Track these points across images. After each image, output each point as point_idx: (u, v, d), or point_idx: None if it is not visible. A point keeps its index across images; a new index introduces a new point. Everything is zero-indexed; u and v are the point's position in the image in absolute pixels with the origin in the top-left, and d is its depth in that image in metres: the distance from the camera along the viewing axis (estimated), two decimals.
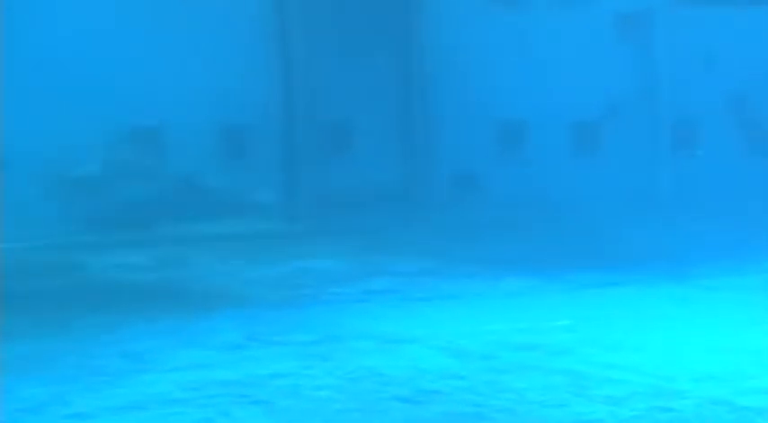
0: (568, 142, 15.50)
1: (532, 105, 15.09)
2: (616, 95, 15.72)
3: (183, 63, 13.34)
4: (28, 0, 12.64)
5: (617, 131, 15.78)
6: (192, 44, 13.39)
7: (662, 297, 9.53)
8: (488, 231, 13.39)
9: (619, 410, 5.86)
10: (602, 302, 9.31)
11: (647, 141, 15.99)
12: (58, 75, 12.76)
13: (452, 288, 10.17)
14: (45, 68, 12.68)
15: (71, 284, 10.60)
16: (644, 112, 15.96)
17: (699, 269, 10.94)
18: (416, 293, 9.96)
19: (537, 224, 13.92)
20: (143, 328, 8.44)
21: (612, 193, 15.29)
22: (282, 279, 10.75)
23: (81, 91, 12.86)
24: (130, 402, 6.23)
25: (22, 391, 6.50)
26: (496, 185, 14.88)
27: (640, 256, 12.05)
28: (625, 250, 12.45)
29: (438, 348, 7.51)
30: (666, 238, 13.45)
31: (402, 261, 11.62)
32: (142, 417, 5.96)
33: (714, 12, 16.27)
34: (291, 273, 11.07)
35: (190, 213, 13.18)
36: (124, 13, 13.05)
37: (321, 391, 6.42)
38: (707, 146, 16.26)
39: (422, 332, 8.06)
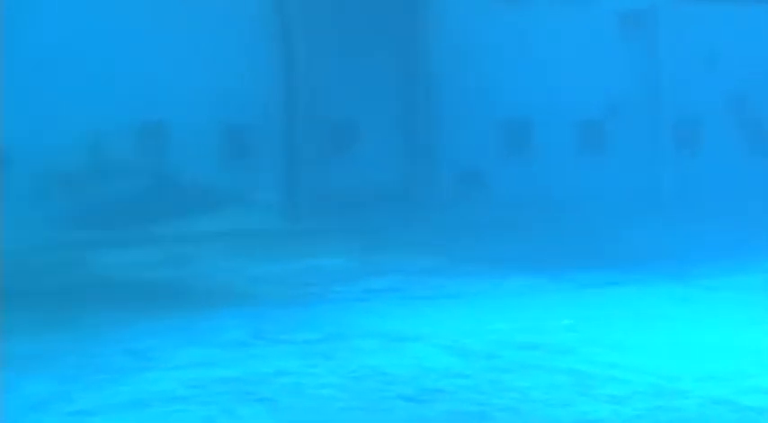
0: (571, 141, 15.51)
1: (535, 104, 15.10)
2: (619, 94, 15.73)
3: (184, 63, 13.35)
4: None
5: (620, 130, 15.79)
6: (194, 44, 13.40)
7: (664, 296, 9.54)
8: (492, 230, 13.40)
9: (621, 409, 5.87)
10: (604, 302, 9.32)
11: (650, 140, 16.00)
12: (60, 73, 12.77)
13: (456, 287, 10.18)
14: (45, 66, 12.69)
15: (74, 282, 10.61)
16: (646, 110, 15.96)
17: (701, 269, 10.95)
18: (420, 292, 9.97)
19: (540, 223, 13.93)
20: (147, 325, 8.45)
21: (615, 192, 15.30)
22: (286, 277, 10.76)
23: (83, 90, 12.87)
24: (134, 400, 6.24)
25: (26, 388, 6.51)
26: (500, 184, 14.89)
27: (643, 255, 12.06)
28: (627, 250, 12.46)
29: (441, 347, 7.52)
30: (668, 237, 13.46)
31: (405, 260, 11.63)
32: (145, 414, 5.97)
33: (717, 10, 16.27)
34: (295, 271, 11.08)
35: (192, 211, 13.19)
36: (126, 12, 13.06)
37: (325, 389, 6.43)
38: (709, 145, 16.26)
39: (425, 331, 8.07)
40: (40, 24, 12.69)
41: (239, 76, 13.57)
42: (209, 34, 13.50)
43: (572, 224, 13.96)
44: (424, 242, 12.64)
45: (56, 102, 12.73)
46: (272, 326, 8.38)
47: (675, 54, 16.07)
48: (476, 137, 14.84)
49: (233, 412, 5.98)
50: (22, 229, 12.01)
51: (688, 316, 8.61)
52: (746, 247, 12.43)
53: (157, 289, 10.28)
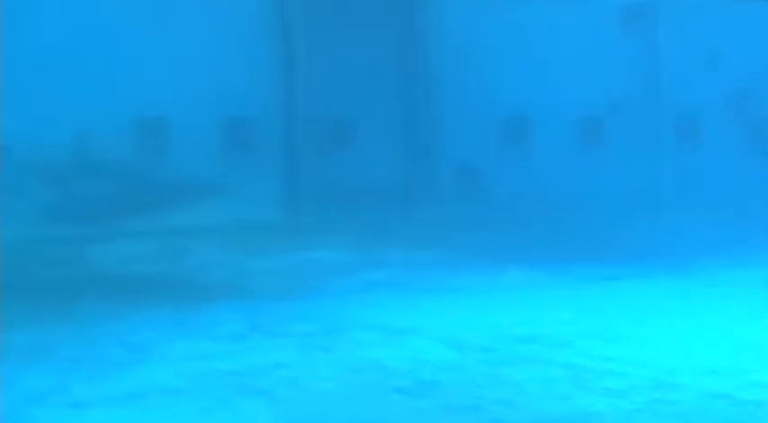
0: (571, 137, 15.50)
1: (535, 101, 15.09)
2: (619, 91, 15.73)
3: (185, 59, 13.34)
4: None
5: (620, 127, 15.79)
6: (195, 40, 13.38)
7: (663, 291, 9.54)
8: (490, 225, 13.40)
9: (619, 403, 5.87)
10: (603, 296, 9.32)
11: (650, 137, 16.00)
12: (59, 69, 12.75)
13: (454, 280, 10.19)
14: (44, 62, 12.67)
15: (72, 275, 10.61)
16: (647, 107, 15.96)
17: (700, 264, 10.96)
18: (418, 285, 9.97)
19: (539, 219, 13.93)
20: (144, 318, 8.46)
21: (615, 189, 15.30)
22: (284, 270, 10.77)
23: (84, 84, 12.86)
24: (131, 392, 6.24)
25: (24, 380, 6.51)
26: (499, 180, 14.89)
27: (642, 250, 12.07)
28: (627, 245, 12.47)
29: (439, 340, 7.52)
30: (668, 233, 13.46)
31: (404, 253, 11.64)
32: (143, 406, 5.97)
33: (717, 7, 16.27)
34: (293, 264, 11.09)
35: (192, 205, 13.19)
36: (125, 8, 13.04)
37: (322, 381, 6.43)
38: (709, 141, 16.26)
39: (423, 324, 8.07)
40: (38, 20, 12.67)
41: (241, 70, 13.57)
42: (210, 30, 13.49)
43: (571, 220, 13.96)
44: (422, 236, 12.65)
45: (54, 98, 12.71)
46: (270, 318, 8.39)
47: (676, 51, 16.07)
48: (475, 132, 14.84)
49: (230, 405, 5.98)
50: (22, 222, 12.02)
51: (687, 310, 8.61)
52: (745, 242, 12.45)
53: (155, 282, 10.28)
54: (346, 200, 13.79)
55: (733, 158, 16.24)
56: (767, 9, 16.56)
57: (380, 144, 14.47)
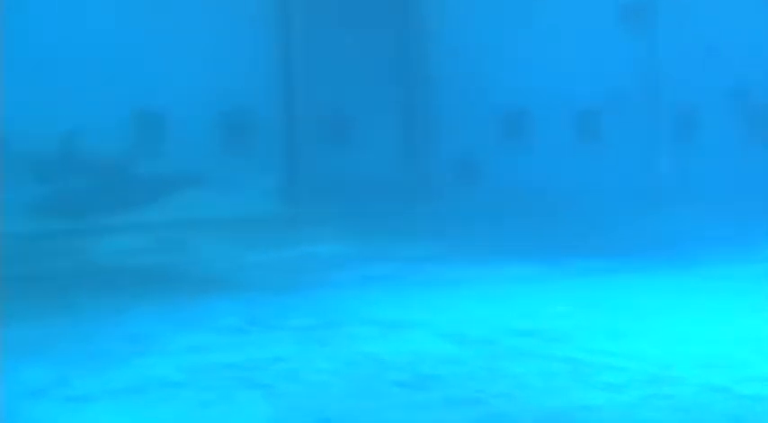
0: (569, 131, 15.49)
1: (533, 94, 15.08)
2: (617, 84, 15.72)
3: (182, 50, 13.31)
4: None
5: (618, 120, 15.78)
6: (192, 32, 13.35)
7: (662, 285, 9.54)
8: (489, 218, 13.40)
9: (617, 397, 5.87)
10: (602, 289, 9.33)
11: (649, 130, 15.99)
12: (56, 63, 12.73)
13: (453, 273, 10.19)
14: (41, 55, 12.65)
15: (72, 268, 10.61)
16: (646, 100, 15.95)
17: (699, 257, 10.96)
18: (417, 279, 9.98)
19: (538, 212, 13.94)
20: (143, 311, 8.46)
21: (614, 182, 15.30)
22: (282, 264, 10.78)
23: (81, 75, 12.84)
24: (131, 385, 6.25)
25: (22, 373, 6.52)
26: (497, 172, 14.88)
27: (640, 244, 12.07)
28: (625, 238, 12.47)
29: (438, 334, 7.53)
30: (667, 226, 13.47)
31: (403, 246, 11.65)
32: (142, 399, 5.97)
33: (717, 0, 16.25)
34: (291, 257, 11.10)
35: (190, 197, 13.19)
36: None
37: (320, 375, 6.44)
38: (708, 135, 16.26)
39: (422, 317, 8.08)
40: (32, 12, 12.64)
41: (238, 61, 13.55)
42: (208, 22, 13.46)
43: (569, 213, 13.97)
44: (421, 229, 12.65)
45: (53, 87, 12.70)
46: (268, 312, 8.39)
47: (675, 44, 16.05)
48: (473, 125, 14.83)
49: (229, 397, 5.99)
50: (20, 214, 12.01)
51: (686, 304, 8.62)
52: (745, 236, 12.45)
53: (153, 275, 10.29)
54: (345, 193, 13.78)
55: (733, 152, 16.24)
56: (767, 3, 16.55)
57: (379, 137, 14.46)
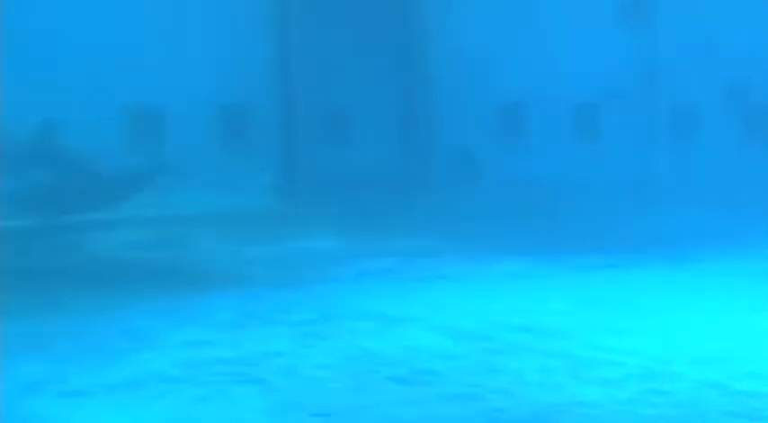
0: (567, 126, 15.49)
1: (532, 89, 15.07)
2: (616, 80, 15.71)
3: (181, 45, 13.30)
4: None
5: (616, 116, 15.78)
6: (190, 27, 13.34)
7: (659, 281, 9.55)
8: (487, 214, 13.39)
9: (614, 392, 5.88)
10: (599, 285, 9.33)
11: (647, 126, 15.99)
12: (56, 60, 12.72)
13: (450, 269, 10.19)
14: (41, 54, 12.64)
15: (70, 263, 10.61)
16: (643, 96, 15.95)
17: (696, 254, 10.96)
18: (414, 274, 9.98)
19: (535, 207, 13.93)
20: (140, 306, 8.46)
21: (611, 178, 15.30)
22: (281, 259, 10.77)
23: (80, 69, 12.83)
24: (128, 380, 6.25)
25: (20, 368, 6.52)
26: (495, 169, 14.87)
27: (638, 240, 12.07)
28: (623, 234, 12.47)
29: (434, 329, 7.53)
30: (664, 222, 13.47)
31: (400, 242, 11.64)
32: (139, 394, 5.98)
33: None
34: (290, 253, 11.09)
35: (188, 193, 13.18)
36: None
37: (318, 370, 6.44)
38: (706, 131, 16.26)
39: (419, 312, 8.08)
40: (32, 12, 12.63)
41: (236, 56, 13.54)
42: (206, 17, 13.45)
43: (567, 209, 13.96)
44: (418, 225, 12.64)
45: (51, 81, 12.69)
46: (266, 307, 8.39)
47: (673, 40, 16.05)
48: (471, 120, 14.82)
49: (226, 393, 5.99)
50: (21, 209, 12.01)
51: (682, 300, 8.62)
52: (742, 233, 12.45)
53: (151, 270, 10.28)
54: (343, 188, 13.77)
55: (730, 148, 16.24)
56: (765, 1, 16.54)
57: (377, 133, 14.46)
